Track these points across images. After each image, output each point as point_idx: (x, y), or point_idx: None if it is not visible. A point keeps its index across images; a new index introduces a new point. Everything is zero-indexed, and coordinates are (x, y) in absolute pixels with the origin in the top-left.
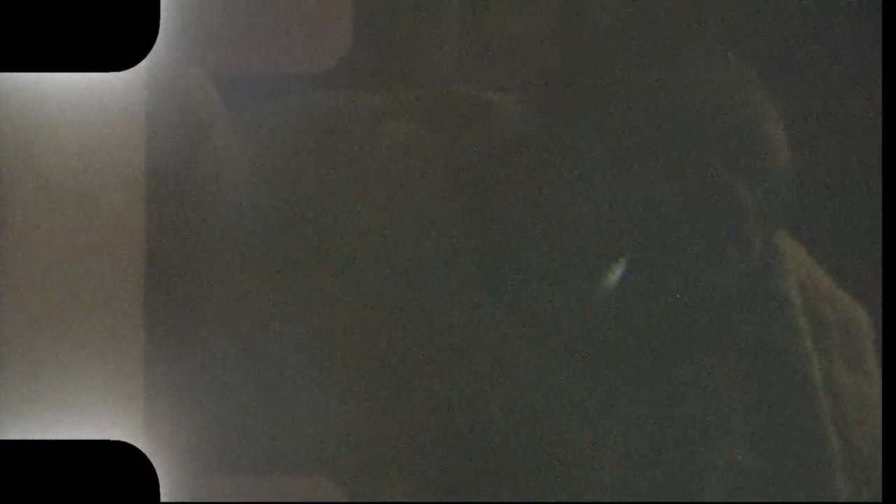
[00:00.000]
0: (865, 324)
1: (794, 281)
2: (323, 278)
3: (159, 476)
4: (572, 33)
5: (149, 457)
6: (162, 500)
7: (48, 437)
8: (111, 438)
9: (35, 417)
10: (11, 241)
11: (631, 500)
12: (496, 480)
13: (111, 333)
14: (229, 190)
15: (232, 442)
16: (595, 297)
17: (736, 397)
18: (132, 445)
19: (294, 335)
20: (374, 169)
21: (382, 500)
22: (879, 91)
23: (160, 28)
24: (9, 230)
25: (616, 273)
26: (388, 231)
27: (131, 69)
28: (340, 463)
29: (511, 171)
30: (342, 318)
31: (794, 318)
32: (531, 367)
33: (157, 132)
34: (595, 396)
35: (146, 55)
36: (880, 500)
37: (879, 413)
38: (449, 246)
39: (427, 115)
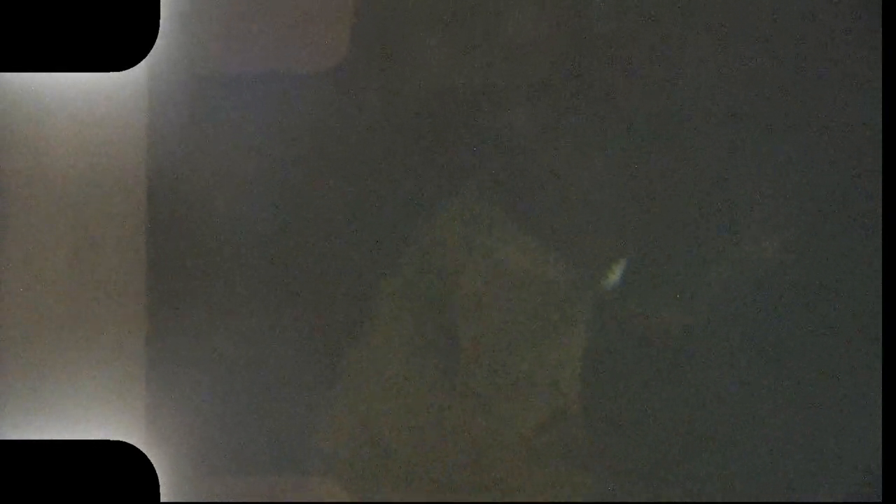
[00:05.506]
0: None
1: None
2: (323, 278)
3: (159, 476)
4: (573, 32)
5: (149, 457)
6: (162, 500)
7: (48, 437)
8: (111, 438)
9: (35, 417)
10: (12, 241)
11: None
12: (497, 480)
13: (111, 333)
14: (229, 190)
15: (232, 442)
16: (597, 295)
17: (736, 397)
18: (132, 445)
19: (294, 335)
20: (374, 168)
21: (382, 500)
22: (879, 91)
23: (160, 28)
24: (9, 230)
25: (617, 272)
26: (388, 230)
27: (131, 69)
28: (341, 463)
29: (511, 171)
30: (342, 318)
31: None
32: (532, 367)
33: (157, 132)
34: (597, 396)
35: (146, 55)
36: (880, 500)
37: (879, 413)
38: (449, 245)
39: (427, 114)
